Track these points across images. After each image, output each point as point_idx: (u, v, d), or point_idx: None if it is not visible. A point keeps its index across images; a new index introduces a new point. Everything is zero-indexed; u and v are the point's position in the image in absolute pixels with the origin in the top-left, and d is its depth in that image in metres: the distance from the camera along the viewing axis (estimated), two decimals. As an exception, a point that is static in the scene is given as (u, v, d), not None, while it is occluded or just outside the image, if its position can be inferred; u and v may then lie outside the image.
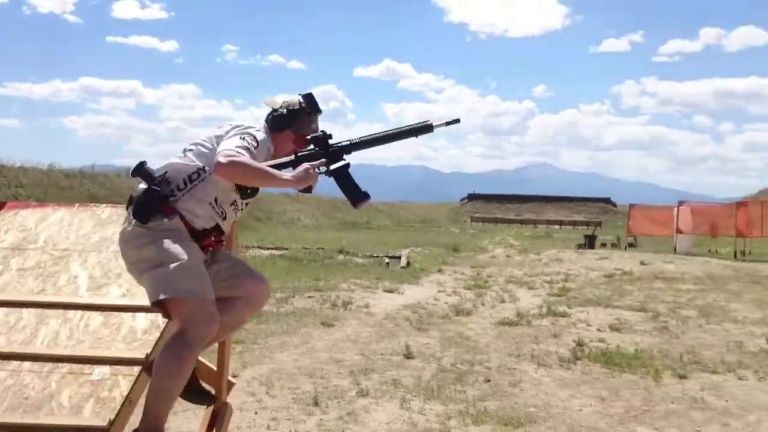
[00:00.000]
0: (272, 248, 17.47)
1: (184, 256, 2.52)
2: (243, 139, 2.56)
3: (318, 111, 2.89)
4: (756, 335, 7.93)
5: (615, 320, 8.69)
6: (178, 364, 2.50)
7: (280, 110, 2.84)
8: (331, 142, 2.74)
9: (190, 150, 2.71)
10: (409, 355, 6.36)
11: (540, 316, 8.83)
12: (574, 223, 60.55)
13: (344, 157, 2.72)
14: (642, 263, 16.65)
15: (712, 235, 21.67)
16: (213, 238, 2.71)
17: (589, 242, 24.55)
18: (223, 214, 2.71)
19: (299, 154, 2.71)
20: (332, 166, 2.67)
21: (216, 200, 2.67)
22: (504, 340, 7.33)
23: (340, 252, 16.85)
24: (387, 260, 15.37)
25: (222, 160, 2.44)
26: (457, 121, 2.80)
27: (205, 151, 2.67)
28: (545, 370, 6.02)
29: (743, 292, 11.99)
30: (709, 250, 21.14)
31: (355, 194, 2.68)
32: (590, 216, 68.83)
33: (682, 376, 5.87)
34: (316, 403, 4.76)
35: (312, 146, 2.74)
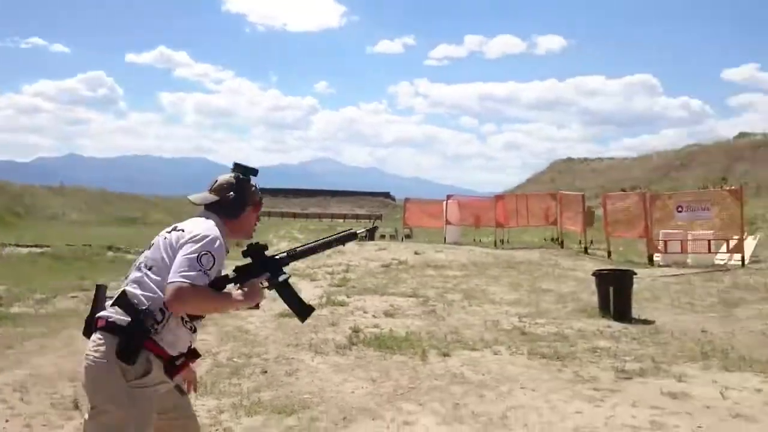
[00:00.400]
0: (32, 246, 15.83)
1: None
2: (199, 262, 2.37)
3: (255, 173, 2.75)
4: (510, 314, 8.82)
5: (389, 306, 9.14)
6: None
7: (228, 196, 2.64)
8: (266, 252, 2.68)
9: (151, 269, 2.48)
10: (183, 352, 6.13)
11: (320, 306, 8.99)
12: (357, 217, 62.59)
13: (284, 269, 2.66)
14: (416, 253, 17.70)
15: (476, 225, 23.69)
16: (190, 364, 2.60)
17: (370, 234, 25.54)
18: (193, 328, 2.56)
19: (237, 268, 2.60)
20: (274, 280, 2.60)
21: (183, 318, 2.50)
22: (283, 331, 7.36)
23: (110, 249, 15.75)
24: (163, 256, 14.69)
25: (172, 298, 2.31)
26: (376, 228, 2.94)
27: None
28: (322, 358, 6.15)
29: (501, 276, 13.26)
30: (474, 240, 23.09)
31: (302, 309, 2.67)
32: (372, 209, 71.67)
33: (445, 354, 6.35)
34: (76, 407, 4.40)
35: (249, 259, 2.64)
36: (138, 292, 2.42)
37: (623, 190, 26.66)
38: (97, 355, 2.38)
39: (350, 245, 20.61)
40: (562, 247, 19.88)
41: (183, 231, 2.50)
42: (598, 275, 9.16)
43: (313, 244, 2.78)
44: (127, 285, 2.48)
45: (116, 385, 2.35)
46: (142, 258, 2.55)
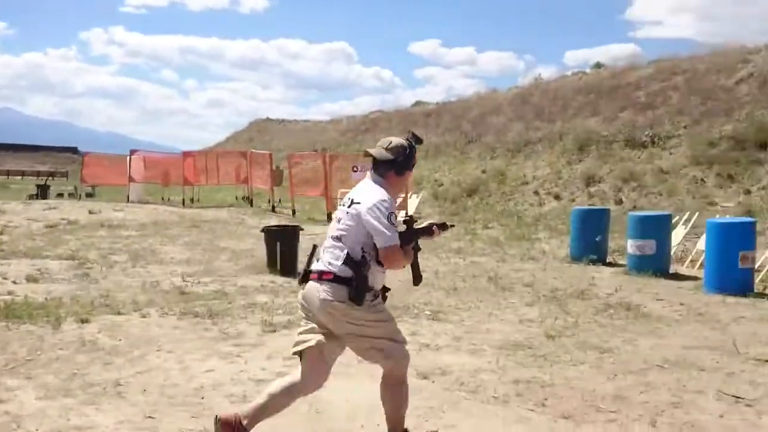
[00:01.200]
0: None
1: (392, 321, 3.17)
2: (391, 222, 3.01)
3: (421, 142, 3.33)
4: (175, 274, 8.46)
5: (36, 271, 8.16)
6: (399, 393, 3.23)
7: (402, 157, 3.18)
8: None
9: (344, 238, 3.04)
10: None
11: (-60, 275, 7.68)
12: (38, 174, 56.00)
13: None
14: (91, 212, 16.30)
15: (165, 183, 22.63)
16: (386, 295, 3.20)
17: (42, 192, 22.87)
18: (384, 270, 3.13)
19: (400, 233, 3.11)
20: (416, 247, 3.20)
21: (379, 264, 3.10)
22: None
23: None
24: None
25: (387, 258, 3.02)
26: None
27: (366, 228, 3.02)
28: None
29: (181, 235, 12.79)
30: (162, 198, 22.09)
31: (419, 276, 3.27)
32: (57, 166, 64.86)
33: (84, 321, 5.79)
34: None
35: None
36: (352, 254, 3.00)
37: (315, 151, 27.69)
38: (335, 300, 2.99)
39: (14, 205, 18.25)
40: (252, 206, 19.98)
41: (361, 203, 3.05)
42: (266, 231, 9.24)
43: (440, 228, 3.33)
44: (341, 249, 3.03)
45: (360, 313, 3.00)
46: (336, 230, 3.09)
